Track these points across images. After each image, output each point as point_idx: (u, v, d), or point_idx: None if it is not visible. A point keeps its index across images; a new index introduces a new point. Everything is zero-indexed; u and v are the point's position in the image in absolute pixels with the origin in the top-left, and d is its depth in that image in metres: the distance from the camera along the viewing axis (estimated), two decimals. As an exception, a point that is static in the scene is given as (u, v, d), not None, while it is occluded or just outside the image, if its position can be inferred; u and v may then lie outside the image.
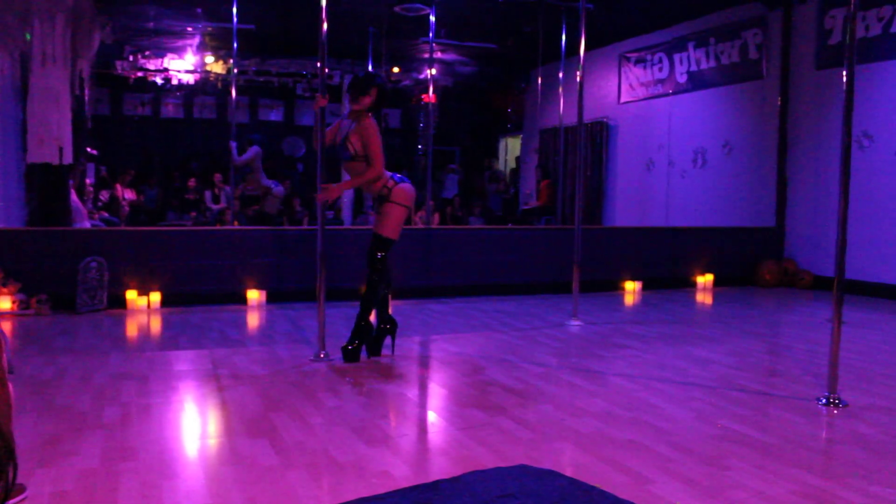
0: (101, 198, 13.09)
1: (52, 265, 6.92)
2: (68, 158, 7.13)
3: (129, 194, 13.85)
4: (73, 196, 9.26)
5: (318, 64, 5.14)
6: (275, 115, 17.14)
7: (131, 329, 6.27)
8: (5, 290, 6.64)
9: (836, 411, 3.93)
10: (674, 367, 4.97)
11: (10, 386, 1.10)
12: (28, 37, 6.67)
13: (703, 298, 8.66)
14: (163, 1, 10.33)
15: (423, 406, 4.08)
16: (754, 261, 9.66)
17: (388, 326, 5.21)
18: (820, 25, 9.29)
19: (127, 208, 13.13)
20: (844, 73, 4.09)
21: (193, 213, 13.65)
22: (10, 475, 1.05)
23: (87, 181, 12.11)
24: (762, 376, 4.81)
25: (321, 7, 5.04)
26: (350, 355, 5.01)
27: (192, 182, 14.57)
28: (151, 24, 11.75)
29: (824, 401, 4.04)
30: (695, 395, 4.23)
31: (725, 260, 9.61)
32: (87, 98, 8.04)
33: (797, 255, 9.64)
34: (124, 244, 7.29)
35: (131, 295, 7.07)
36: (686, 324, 6.88)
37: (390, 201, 5.06)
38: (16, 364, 4.46)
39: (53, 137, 6.85)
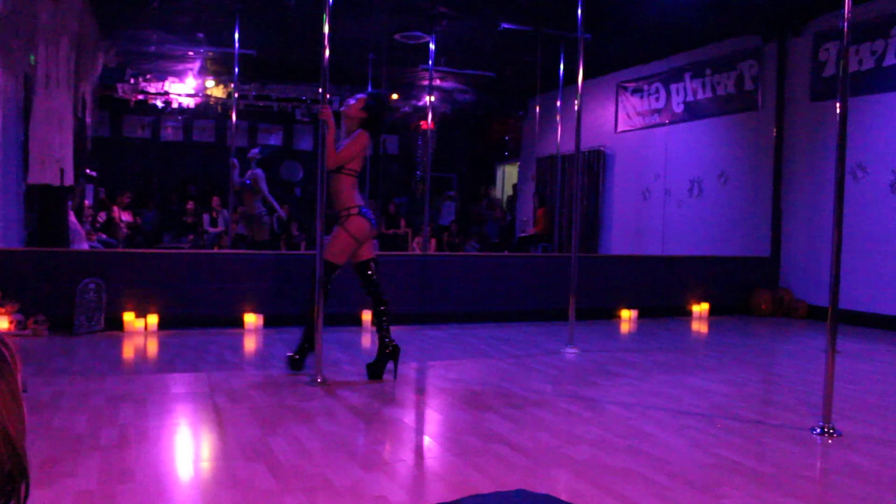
0: (99, 219, 13.12)
1: (51, 286, 6.93)
2: (69, 180, 7.17)
3: (126, 216, 13.88)
4: (72, 217, 9.29)
5: (320, 90, 5.20)
6: (274, 140, 17.22)
7: (128, 351, 6.28)
8: (3, 310, 6.64)
9: (830, 441, 3.95)
10: (669, 395, 4.99)
11: (24, 404, 1.12)
12: (32, 59, 6.74)
13: (699, 327, 8.69)
14: (166, 26, 10.43)
15: (419, 431, 4.09)
16: (749, 290, 9.70)
17: (390, 351, 5.24)
18: (814, 58, 9.41)
19: (125, 230, 13.15)
20: (838, 105, 4.16)
21: (191, 236, 13.68)
22: (23, 493, 1.07)
23: (86, 203, 12.14)
24: (757, 405, 4.84)
25: (324, 34, 5.12)
26: (294, 364, 5.34)
27: (190, 205, 14.61)
28: (153, 48, 11.86)
29: (819, 430, 4.06)
30: (690, 423, 4.25)
31: (721, 289, 9.65)
32: (88, 120, 8.09)
33: (792, 284, 9.69)
34: (122, 266, 7.31)
35: (129, 317, 7.08)
36: (681, 352, 6.90)
37: (342, 226, 5.16)
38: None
39: (55, 159, 6.90)
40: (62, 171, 6.97)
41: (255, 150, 11.79)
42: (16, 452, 1.06)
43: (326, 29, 5.09)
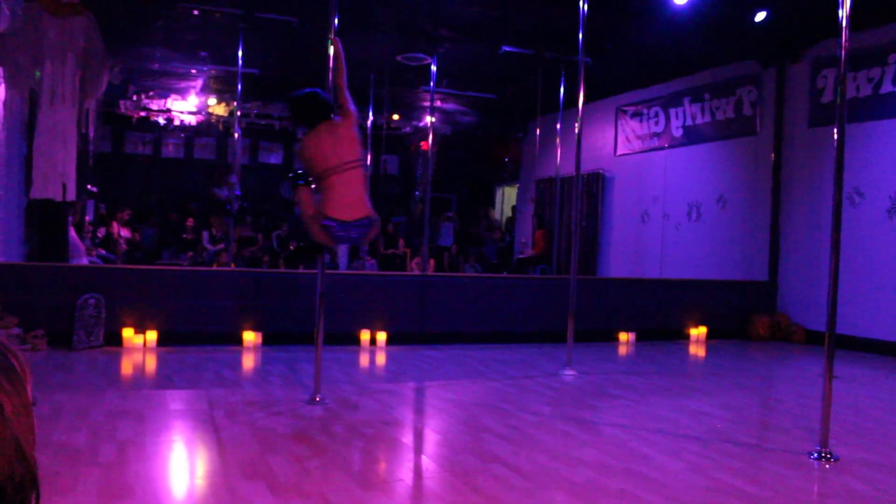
0: (99, 235, 13.15)
1: (50, 301, 6.94)
2: (72, 195, 7.21)
3: (125, 232, 13.91)
4: (72, 232, 9.32)
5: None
6: (274, 158, 17.30)
7: (127, 367, 6.28)
8: (2, 324, 6.65)
9: (827, 466, 3.96)
10: (667, 418, 5.00)
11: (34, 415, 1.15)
12: (38, 75, 6.79)
13: (697, 351, 8.71)
14: (170, 44, 10.52)
15: (418, 451, 4.10)
16: (747, 314, 9.72)
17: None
18: (812, 85, 9.49)
19: (124, 246, 13.18)
20: (836, 131, 4.20)
21: (190, 253, 13.70)
22: (33, 502, 1.09)
23: (87, 218, 12.18)
24: (754, 429, 4.85)
25: (328, 55, 5.18)
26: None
27: (189, 222, 14.65)
28: (157, 66, 11.94)
29: (816, 455, 4.07)
30: (687, 447, 4.25)
31: (719, 313, 9.67)
32: (91, 136, 8.15)
33: (790, 309, 9.71)
34: (122, 282, 7.33)
35: (128, 333, 7.09)
36: (679, 376, 6.91)
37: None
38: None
39: (58, 174, 6.93)
40: (65, 186, 7.01)
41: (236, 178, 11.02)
42: (27, 462, 1.08)
43: (332, 50, 5.15)
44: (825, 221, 8.83)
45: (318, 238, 4.86)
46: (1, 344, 1.09)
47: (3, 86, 7.00)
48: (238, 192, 10.45)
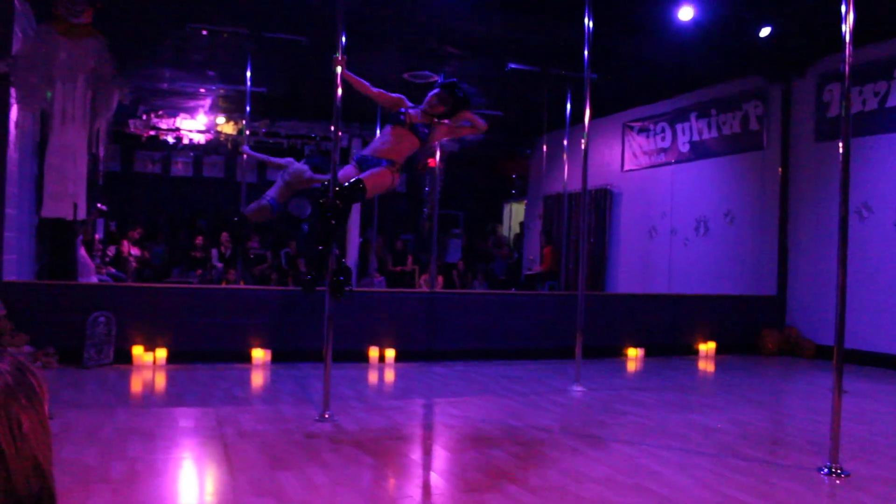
0: (109, 253, 13.21)
1: (61, 319, 6.98)
2: (82, 214, 7.27)
3: (135, 250, 13.97)
4: (82, 251, 9.37)
5: (332, 127, 5.32)
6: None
7: (137, 384, 6.31)
8: (14, 342, 6.69)
9: (838, 481, 3.94)
10: (676, 434, 4.99)
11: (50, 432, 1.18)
12: (49, 95, 6.87)
13: (706, 366, 8.68)
14: (179, 64, 10.61)
15: (426, 468, 4.10)
16: (756, 329, 9.69)
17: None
18: (819, 99, 9.51)
19: (134, 264, 13.24)
20: (841, 145, 4.21)
21: (199, 271, 13.74)
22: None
23: (97, 236, 12.25)
24: (764, 445, 4.83)
25: (336, 73, 5.25)
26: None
27: (199, 240, 14.71)
28: (166, 85, 12.04)
29: (826, 471, 4.05)
30: (697, 462, 4.25)
31: (727, 328, 9.65)
32: (101, 155, 8.23)
33: (799, 323, 9.68)
34: (132, 300, 7.37)
35: (138, 350, 7.12)
36: (688, 391, 6.90)
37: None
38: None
39: (69, 193, 7.00)
40: (75, 205, 7.07)
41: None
42: (44, 477, 1.11)
43: (339, 69, 5.21)
44: (833, 235, 8.78)
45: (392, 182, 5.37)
46: (20, 362, 1.12)
47: (15, 106, 7.07)
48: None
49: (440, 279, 13.27)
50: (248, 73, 9.71)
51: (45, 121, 7.41)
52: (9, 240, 7.08)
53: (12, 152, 7.17)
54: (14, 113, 7.10)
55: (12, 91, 6.91)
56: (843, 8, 4.27)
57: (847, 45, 4.23)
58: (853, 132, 4.25)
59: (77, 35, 6.92)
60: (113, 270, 11.97)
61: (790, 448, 4.73)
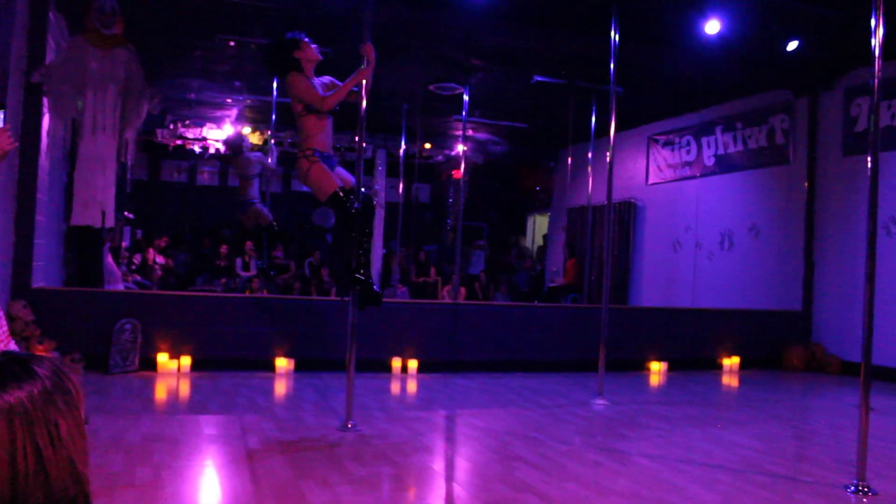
0: (134, 261, 13.35)
1: (88, 325, 7.07)
2: (110, 222, 7.37)
3: (160, 258, 14.11)
4: (109, 258, 9.49)
5: (356, 138, 5.36)
6: (307, 187, 17.47)
7: (162, 392, 6.37)
8: (41, 347, 6.78)
9: (865, 500, 3.90)
10: (700, 448, 4.95)
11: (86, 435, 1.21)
12: (80, 105, 6.98)
13: (730, 381, 8.61)
14: (207, 74, 10.73)
15: (449, 479, 4.10)
16: (781, 344, 9.60)
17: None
18: (846, 113, 9.43)
19: (159, 272, 13.36)
20: (869, 159, 4.18)
21: (223, 280, 13.84)
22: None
23: (123, 244, 12.38)
24: (789, 461, 4.78)
25: (360, 84, 5.29)
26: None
27: (223, 248, 14.82)
28: (193, 96, 12.19)
29: (853, 488, 4.00)
30: (720, 477, 4.21)
31: (752, 343, 9.56)
32: (129, 164, 8.35)
33: (825, 339, 9.58)
34: (158, 308, 7.44)
35: (162, 358, 7.19)
36: (712, 406, 6.84)
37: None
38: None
39: (97, 202, 7.09)
40: (104, 213, 7.16)
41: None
42: (80, 480, 1.13)
43: (366, 60, 5.27)
44: (860, 251, 8.69)
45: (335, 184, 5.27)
46: (57, 367, 1.14)
47: (47, 115, 7.19)
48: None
49: (463, 290, 13.27)
50: (275, 84, 9.80)
51: (75, 130, 7.53)
52: (38, 247, 7.19)
53: (43, 161, 7.29)
54: (46, 122, 7.22)
55: (45, 100, 7.03)
56: (873, 21, 4.25)
57: (876, 59, 4.20)
58: (881, 147, 4.21)
59: (108, 46, 7.03)
60: (138, 278, 12.10)
61: (815, 465, 4.68)
